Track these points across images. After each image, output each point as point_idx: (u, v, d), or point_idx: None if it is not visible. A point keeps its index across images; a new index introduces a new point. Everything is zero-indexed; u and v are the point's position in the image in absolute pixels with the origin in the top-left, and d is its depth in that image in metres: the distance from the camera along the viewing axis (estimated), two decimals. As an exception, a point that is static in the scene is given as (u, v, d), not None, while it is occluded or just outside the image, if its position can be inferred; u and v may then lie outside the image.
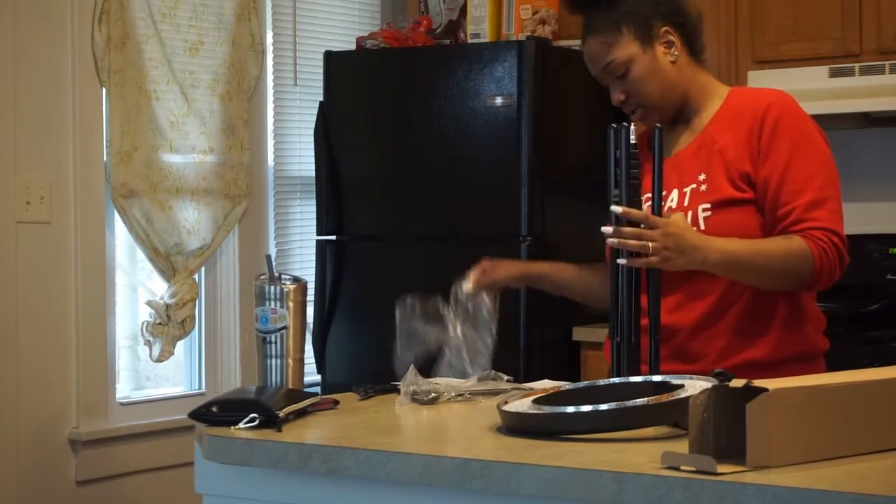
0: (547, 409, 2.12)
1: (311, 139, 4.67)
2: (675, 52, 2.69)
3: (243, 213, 4.65)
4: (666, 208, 2.61)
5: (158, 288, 4.42)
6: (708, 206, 2.60)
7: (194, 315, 4.44)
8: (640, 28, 2.66)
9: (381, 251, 4.59)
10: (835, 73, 4.27)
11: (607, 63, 2.67)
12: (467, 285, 2.75)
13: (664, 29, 2.68)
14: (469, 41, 4.67)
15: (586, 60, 2.73)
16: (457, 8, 4.79)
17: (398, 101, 4.55)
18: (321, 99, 4.68)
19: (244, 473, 2.21)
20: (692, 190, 2.63)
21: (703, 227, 2.59)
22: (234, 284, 4.68)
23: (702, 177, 2.64)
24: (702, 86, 2.73)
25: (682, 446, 2.02)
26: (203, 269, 4.57)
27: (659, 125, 2.57)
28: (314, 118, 4.66)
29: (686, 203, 2.62)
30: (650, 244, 2.45)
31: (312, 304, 4.55)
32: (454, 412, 2.41)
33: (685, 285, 2.62)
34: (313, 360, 4.61)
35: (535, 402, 2.20)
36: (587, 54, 2.71)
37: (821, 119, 4.38)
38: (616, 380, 2.32)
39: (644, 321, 2.52)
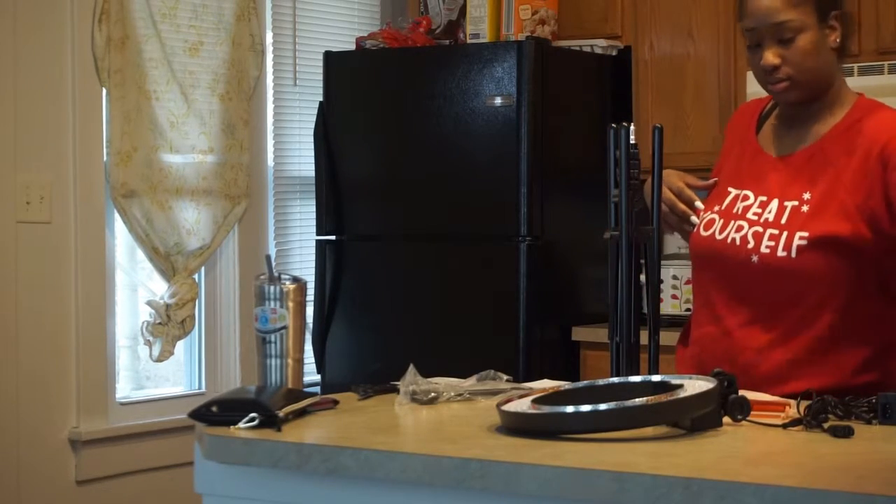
0: (546, 409, 2.12)
1: (311, 139, 4.67)
2: (836, 41, 2.54)
3: (243, 213, 4.65)
4: (762, 219, 2.52)
5: (158, 288, 4.42)
6: (806, 235, 2.47)
7: (194, 315, 4.45)
8: (822, 4, 2.52)
9: (381, 251, 4.59)
10: (834, 74, 4.26)
11: (781, 21, 2.50)
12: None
13: (836, 13, 2.54)
14: (468, 41, 4.67)
15: (753, 10, 2.55)
16: (456, 8, 4.80)
17: (398, 102, 4.55)
18: (321, 99, 4.68)
19: (244, 473, 2.21)
20: (793, 208, 2.50)
21: (794, 255, 2.47)
22: (233, 284, 4.68)
23: (806, 195, 2.51)
24: (836, 88, 2.58)
25: (681, 446, 2.03)
26: (203, 269, 4.57)
27: (660, 126, 2.56)
28: (314, 118, 4.66)
29: (784, 221, 2.50)
30: None
31: (312, 304, 4.55)
32: (453, 412, 2.41)
33: (751, 310, 2.55)
34: (313, 359, 4.61)
35: (535, 402, 2.20)
36: (759, 3, 2.53)
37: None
38: (615, 379, 2.33)
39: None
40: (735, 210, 2.57)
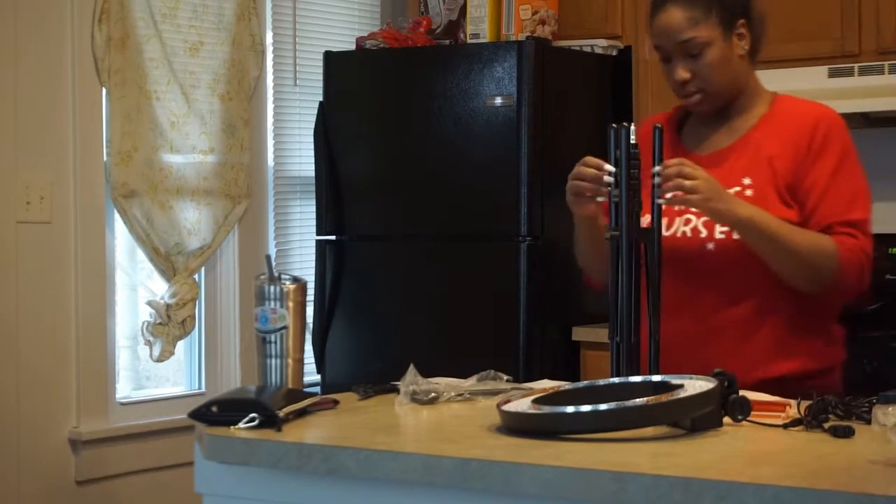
0: (546, 409, 2.12)
1: (311, 139, 4.67)
2: (745, 47, 2.66)
3: (243, 213, 4.65)
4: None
5: (158, 288, 4.42)
6: None
7: (194, 315, 4.45)
8: (726, 15, 2.62)
9: (381, 251, 4.59)
10: (834, 74, 4.27)
11: (687, 39, 2.61)
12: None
13: (741, 21, 2.65)
14: (469, 41, 4.67)
15: (659, 29, 2.65)
16: (456, 8, 4.80)
17: (398, 101, 4.55)
18: (321, 99, 4.68)
19: (244, 473, 2.21)
20: (736, 193, 2.59)
21: None
22: (234, 284, 4.68)
23: (746, 180, 2.61)
24: (752, 87, 2.71)
25: (681, 446, 2.03)
26: (203, 269, 4.57)
27: (659, 125, 2.57)
28: (314, 118, 4.66)
29: None
30: (692, 182, 2.45)
31: (312, 304, 4.55)
32: (454, 412, 2.41)
33: (714, 298, 2.60)
34: (313, 360, 4.61)
35: (535, 402, 2.20)
36: (664, 22, 2.63)
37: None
38: (616, 380, 2.33)
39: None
40: (676, 207, 2.61)
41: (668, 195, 2.48)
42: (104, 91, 4.24)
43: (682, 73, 2.63)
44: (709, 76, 2.63)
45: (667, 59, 2.66)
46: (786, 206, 2.59)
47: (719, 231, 2.58)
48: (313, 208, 4.70)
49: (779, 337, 2.59)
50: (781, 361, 2.58)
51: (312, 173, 4.69)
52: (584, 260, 2.82)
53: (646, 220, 2.57)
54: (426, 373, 2.56)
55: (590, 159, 2.55)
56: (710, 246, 2.59)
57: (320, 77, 4.71)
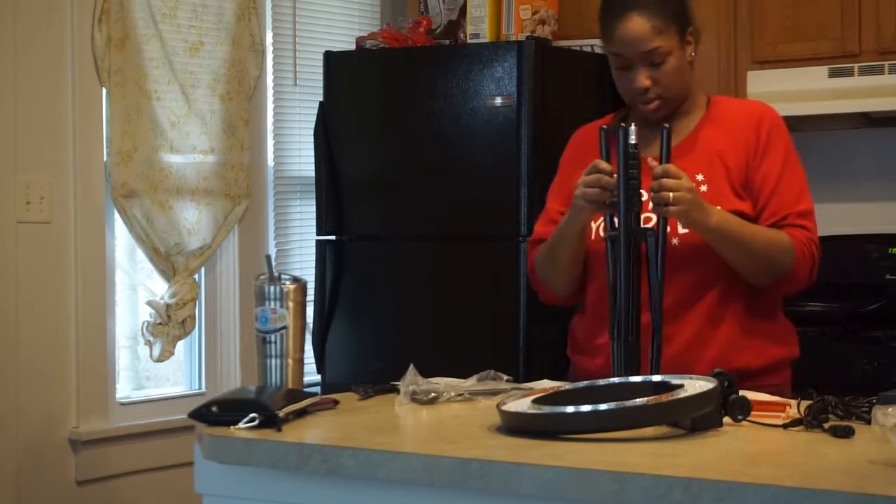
0: (546, 409, 2.12)
1: (311, 139, 4.67)
2: (692, 53, 2.75)
3: (243, 213, 4.65)
4: None
5: (158, 288, 4.42)
6: (718, 209, 2.62)
7: (194, 315, 4.44)
8: (681, 25, 2.71)
9: (381, 251, 4.59)
10: (834, 74, 4.27)
11: (651, 48, 2.68)
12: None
13: (690, 28, 2.74)
14: (469, 41, 4.67)
15: (623, 37, 2.71)
16: (456, 8, 4.79)
17: (398, 101, 4.55)
18: (321, 99, 4.68)
19: (244, 473, 2.21)
20: None
21: None
22: (234, 284, 4.68)
23: (700, 176, 2.67)
24: (694, 90, 2.80)
25: (681, 446, 2.03)
26: (203, 269, 4.57)
27: (666, 125, 2.59)
28: (314, 118, 4.66)
29: None
30: (676, 194, 2.49)
31: (312, 304, 4.55)
32: (454, 412, 2.41)
33: (680, 291, 2.64)
34: (313, 360, 4.61)
35: (535, 402, 2.20)
36: (628, 31, 2.70)
37: (820, 119, 4.41)
38: (616, 380, 2.33)
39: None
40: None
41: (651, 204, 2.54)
42: (104, 91, 4.24)
43: (644, 81, 2.70)
44: (669, 83, 2.70)
45: (626, 66, 2.72)
46: (739, 199, 2.66)
47: (682, 227, 2.63)
48: (313, 208, 4.70)
49: (741, 323, 2.67)
50: (746, 348, 2.65)
51: (312, 173, 4.69)
52: (557, 272, 2.83)
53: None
54: (426, 373, 2.56)
55: (603, 165, 2.56)
56: (675, 241, 2.64)
57: (320, 77, 4.70)
